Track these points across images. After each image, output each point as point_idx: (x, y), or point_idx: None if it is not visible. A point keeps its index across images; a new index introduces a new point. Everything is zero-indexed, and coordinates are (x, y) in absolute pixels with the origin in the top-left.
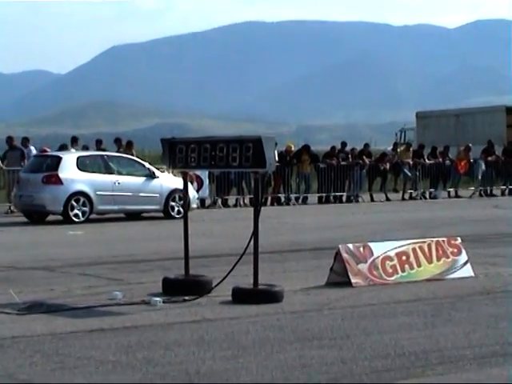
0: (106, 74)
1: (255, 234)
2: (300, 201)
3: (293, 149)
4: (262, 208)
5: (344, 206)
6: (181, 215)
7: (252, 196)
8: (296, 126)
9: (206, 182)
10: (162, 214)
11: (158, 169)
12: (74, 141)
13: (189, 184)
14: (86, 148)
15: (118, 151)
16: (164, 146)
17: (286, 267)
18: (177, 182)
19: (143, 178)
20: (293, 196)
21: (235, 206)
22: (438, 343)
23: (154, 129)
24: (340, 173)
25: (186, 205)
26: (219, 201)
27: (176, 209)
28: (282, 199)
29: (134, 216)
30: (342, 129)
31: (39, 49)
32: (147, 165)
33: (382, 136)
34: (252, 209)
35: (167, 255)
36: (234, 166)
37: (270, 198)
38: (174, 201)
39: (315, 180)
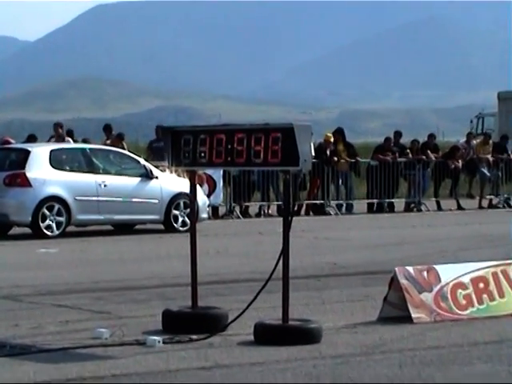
0: (88, 42)
1: (285, 252)
2: (343, 209)
3: (331, 141)
4: (295, 219)
5: (401, 217)
6: (187, 228)
7: (281, 203)
8: (338, 110)
9: (220, 184)
10: (162, 226)
11: (156, 167)
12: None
13: (198, 187)
14: (85, 141)
15: (105, 143)
16: (164, 137)
17: (326, 297)
18: (181, 185)
19: (137, 179)
20: (334, 203)
21: (258, 215)
22: None
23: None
24: (396, 173)
25: (194, 214)
26: (237, 209)
27: (180, 219)
28: (324, 207)
29: (125, 229)
30: (399, 115)
31: None
32: (143, 161)
33: (451, 124)
34: (281, 220)
35: (169, 280)
36: (258, 163)
37: (304, 206)
38: (177, 209)
39: (361, 182)
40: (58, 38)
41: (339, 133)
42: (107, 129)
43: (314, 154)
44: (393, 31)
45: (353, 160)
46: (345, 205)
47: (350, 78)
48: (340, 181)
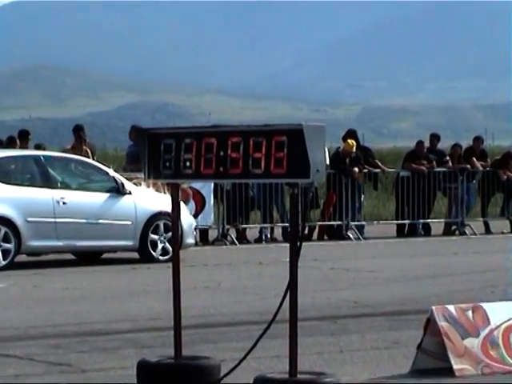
0: (41, 22)
1: (292, 287)
2: (356, 233)
3: (354, 149)
4: (305, 244)
5: (440, 242)
6: (168, 256)
7: (287, 225)
8: (359, 107)
9: (211, 201)
10: (136, 255)
11: (130, 179)
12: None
13: (182, 205)
14: (38, 146)
15: (65, 150)
16: (139, 141)
17: (345, 343)
18: (161, 202)
19: (105, 195)
20: (354, 225)
21: (258, 240)
22: None
23: (123, 112)
24: (433, 186)
25: (177, 239)
26: (232, 232)
27: (160, 246)
28: (341, 230)
29: (89, 258)
30: (436, 112)
31: None
32: (112, 173)
33: (502, 124)
34: (287, 246)
35: (145, 323)
36: (257, 174)
37: (317, 229)
38: (156, 233)
39: (389, 198)
40: (4, 14)
41: (351, 135)
42: (77, 131)
43: (328, 162)
44: (427, 8)
45: (365, 170)
46: (352, 226)
47: (373, 66)
48: (362, 197)
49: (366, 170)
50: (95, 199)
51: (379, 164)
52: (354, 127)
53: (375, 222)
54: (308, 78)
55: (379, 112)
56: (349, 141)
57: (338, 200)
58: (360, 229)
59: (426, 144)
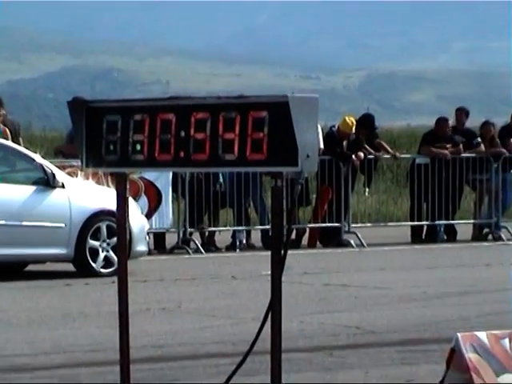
0: None
1: (275, 309)
2: (358, 237)
3: (353, 129)
4: (293, 253)
5: (468, 249)
6: (112, 269)
7: (268, 227)
8: (364, 74)
9: (169, 196)
10: (71, 267)
11: (62, 168)
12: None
13: (131, 201)
14: None
15: None
16: (75, 117)
17: (343, 380)
18: (103, 198)
19: (30, 189)
20: (356, 227)
21: (231, 247)
22: None
23: (53, 80)
24: (459, 177)
25: (125, 246)
26: (196, 237)
27: (102, 255)
28: (339, 234)
29: (10, 271)
30: (463, 80)
31: None
32: (40, 159)
33: None
34: (268, 254)
35: (82, 356)
36: (229, 161)
37: (307, 232)
38: (96, 238)
39: (402, 191)
40: None
41: (365, 124)
42: None
43: (322, 146)
44: None
45: (371, 156)
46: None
47: (381, 19)
48: (367, 191)
49: (371, 156)
50: (17, 194)
51: (386, 147)
52: (355, 99)
53: (383, 223)
54: (295, 35)
55: (389, 80)
56: (347, 118)
57: (334, 195)
58: (363, 232)
59: (451, 122)
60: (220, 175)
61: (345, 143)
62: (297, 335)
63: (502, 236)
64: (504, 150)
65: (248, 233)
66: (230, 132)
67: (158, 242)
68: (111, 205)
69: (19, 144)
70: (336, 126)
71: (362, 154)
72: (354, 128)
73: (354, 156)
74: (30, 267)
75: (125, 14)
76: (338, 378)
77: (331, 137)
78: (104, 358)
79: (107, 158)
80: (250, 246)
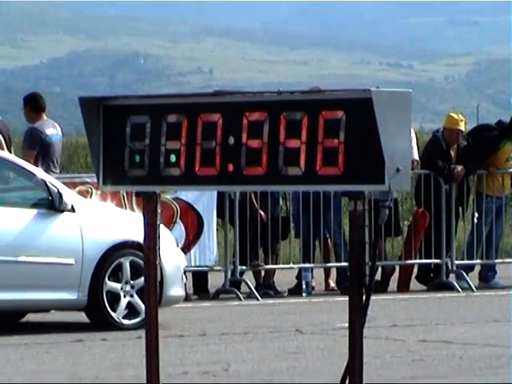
0: None
1: (354, 374)
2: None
3: (462, 127)
4: (377, 299)
5: None
6: (138, 320)
7: (345, 264)
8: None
9: (213, 224)
10: (83, 316)
11: (71, 186)
12: None
13: (163, 230)
14: None
15: None
16: (88, 119)
17: None
18: (126, 226)
19: (30, 214)
20: (461, 265)
21: (295, 291)
22: None
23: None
24: None
25: (155, 290)
26: (249, 278)
27: (124, 301)
28: (440, 274)
29: (3, 321)
30: None
31: None
32: (42, 174)
33: None
34: (345, 301)
35: None
36: (293, 177)
37: (397, 271)
38: (116, 279)
39: None
40: None
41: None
42: None
43: (416, 156)
44: None
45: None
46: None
47: None
48: (475, 216)
49: (482, 171)
50: (12, 220)
51: None
52: (461, 94)
53: (498, 260)
54: (378, 10)
55: (505, 68)
56: (452, 114)
57: (433, 222)
58: (470, 271)
59: None
60: (281, 195)
61: (453, 153)
62: None
63: None
64: None
65: (327, 273)
66: (294, 138)
67: (199, 283)
68: (137, 235)
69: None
70: (440, 130)
71: (460, 168)
72: (463, 125)
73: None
74: (30, 317)
75: None
76: None
77: (434, 145)
78: None
79: (131, 172)
80: (330, 289)
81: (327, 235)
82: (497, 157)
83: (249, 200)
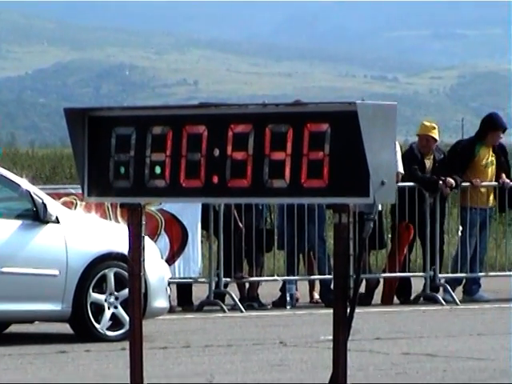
0: None
1: None
2: (449, 292)
3: (435, 134)
4: (361, 311)
5: None
6: (122, 331)
7: (330, 277)
8: (457, 73)
9: (197, 236)
10: (67, 328)
11: (56, 197)
12: None
13: (148, 241)
14: None
15: None
16: (73, 130)
17: None
18: (110, 237)
19: (14, 225)
20: (448, 278)
21: (279, 303)
22: None
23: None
24: None
25: (139, 301)
26: (233, 290)
27: (108, 313)
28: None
29: None
30: None
31: None
32: (26, 185)
33: None
34: (329, 313)
35: None
36: (278, 189)
37: (382, 284)
38: (100, 290)
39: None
40: None
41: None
42: None
43: (401, 169)
44: None
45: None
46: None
47: (478, 3)
48: (460, 229)
49: (467, 184)
50: None
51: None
52: (445, 107)
53: (481, 273)
54: (363, 23)
55: (489, 81)
56: (425, 122)
57: (416, 235)
58: (457, 285)
59: None
60: (266, 208)
61: (428, 163)
62: None
63: None
64: None
65: (312, 286)
66: (279, 151)
67: (183, 295)
68: (121, 246)
69: None
70: (417, 142)
71: (451, 181)
72: (435, 133)
73: (441, 182)
74: (14, 328)
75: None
76: None
77: (411, 155)
78: None
79: (116, 183)
80: (314, 302)
81: (310, 248)
82: (475, 163)
83: (233, 212)
